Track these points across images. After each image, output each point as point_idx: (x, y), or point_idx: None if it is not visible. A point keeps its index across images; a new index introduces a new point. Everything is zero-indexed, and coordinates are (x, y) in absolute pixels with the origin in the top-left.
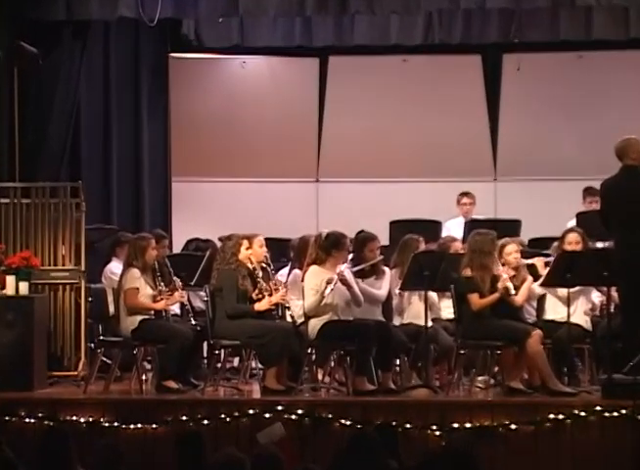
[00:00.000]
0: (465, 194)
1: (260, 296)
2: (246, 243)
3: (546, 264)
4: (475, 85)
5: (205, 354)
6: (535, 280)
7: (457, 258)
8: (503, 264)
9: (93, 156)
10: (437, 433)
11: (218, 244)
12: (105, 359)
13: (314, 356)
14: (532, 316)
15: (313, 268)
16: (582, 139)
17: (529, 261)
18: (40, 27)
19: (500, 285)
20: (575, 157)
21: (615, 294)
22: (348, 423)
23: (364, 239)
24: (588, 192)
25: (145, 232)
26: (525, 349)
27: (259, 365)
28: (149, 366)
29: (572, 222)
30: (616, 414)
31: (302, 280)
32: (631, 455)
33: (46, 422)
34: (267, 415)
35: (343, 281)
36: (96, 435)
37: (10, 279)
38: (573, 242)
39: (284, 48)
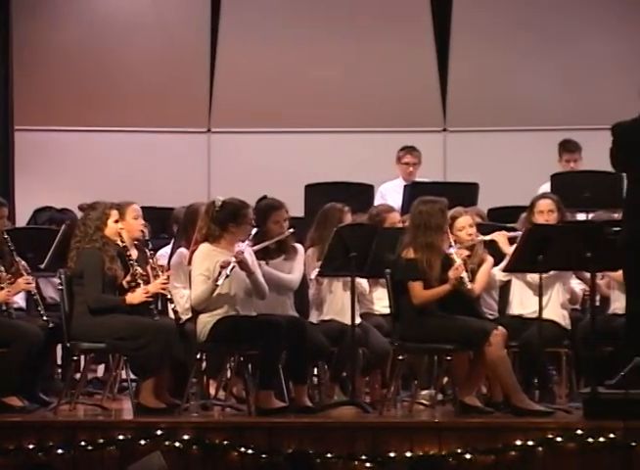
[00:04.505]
0: (407, 149)
1: (134, 284)
2: (115, 213)
3: (511, 242)
4: (419, 4)
5: (59, 362)
6: (497, 263)
7: (395, 235)
8: (455, 242)
9: None
10: (368, 465)
11: (78, 215)
12: None
13: (205, 364)
14: (493, 311)
15: (204, 247)
16: (560, 75)
17: (489, 237)
18: None
19: (452, 274)
20: (550, 99)
21: (601, 281)
22: (250, 452)
23: (267, 208)
24: (565, 147)
25: None
26: (483, 354)
27: (132, 376)
28: None
29: (546, 187)
30: (601, 440)
31: (190, 263)
32: None
33: None
34: (143, 442)
35: (243, 264)
36: None
37: None
38: (546, 212)
39: None
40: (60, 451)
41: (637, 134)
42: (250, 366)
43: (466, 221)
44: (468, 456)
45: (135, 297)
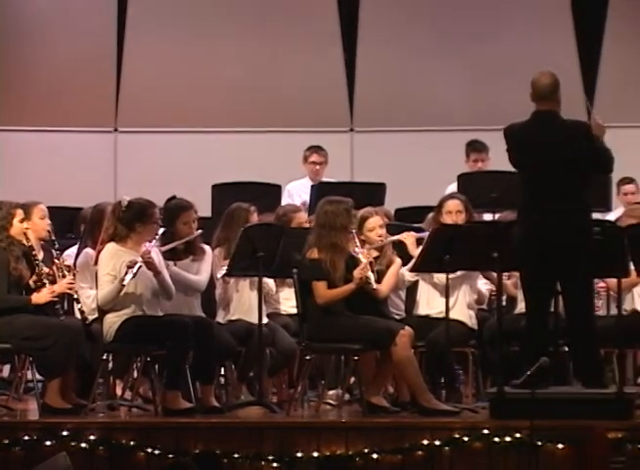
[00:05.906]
0: (314, 149)
1: (40, 283)
2: (20, 213)
3: (418, 242)
4: (326, 5)
5: None
6: (404, 263)
7: (302, 235)
8: (363, 243)
9: None
10: (275, 464)
11: None
12: None
13: (111, 364)
14: (400, 311)
15: (111, 247)
16: (467, 76)
17: (396, 238)
18: None
19: (357, 274)
20: (458, 100)
21: (508, 281)
22: (157, 452)
23: (176, 208)
24: (473, 147)
25: None
26: (389, 353)
27: (38, 376)
28: None
29: (453, 187)
30: (508, 439)
31: (96, 263)
32: None
33: None
34: (48, 443)
35: (150, 264)
36: None
37: None
38: (455, 213)
39: None
40: None
41: (528, 136)
42: (156, 366)
43: (376, 222)
44: (375, 456)
45: (41, 297)
